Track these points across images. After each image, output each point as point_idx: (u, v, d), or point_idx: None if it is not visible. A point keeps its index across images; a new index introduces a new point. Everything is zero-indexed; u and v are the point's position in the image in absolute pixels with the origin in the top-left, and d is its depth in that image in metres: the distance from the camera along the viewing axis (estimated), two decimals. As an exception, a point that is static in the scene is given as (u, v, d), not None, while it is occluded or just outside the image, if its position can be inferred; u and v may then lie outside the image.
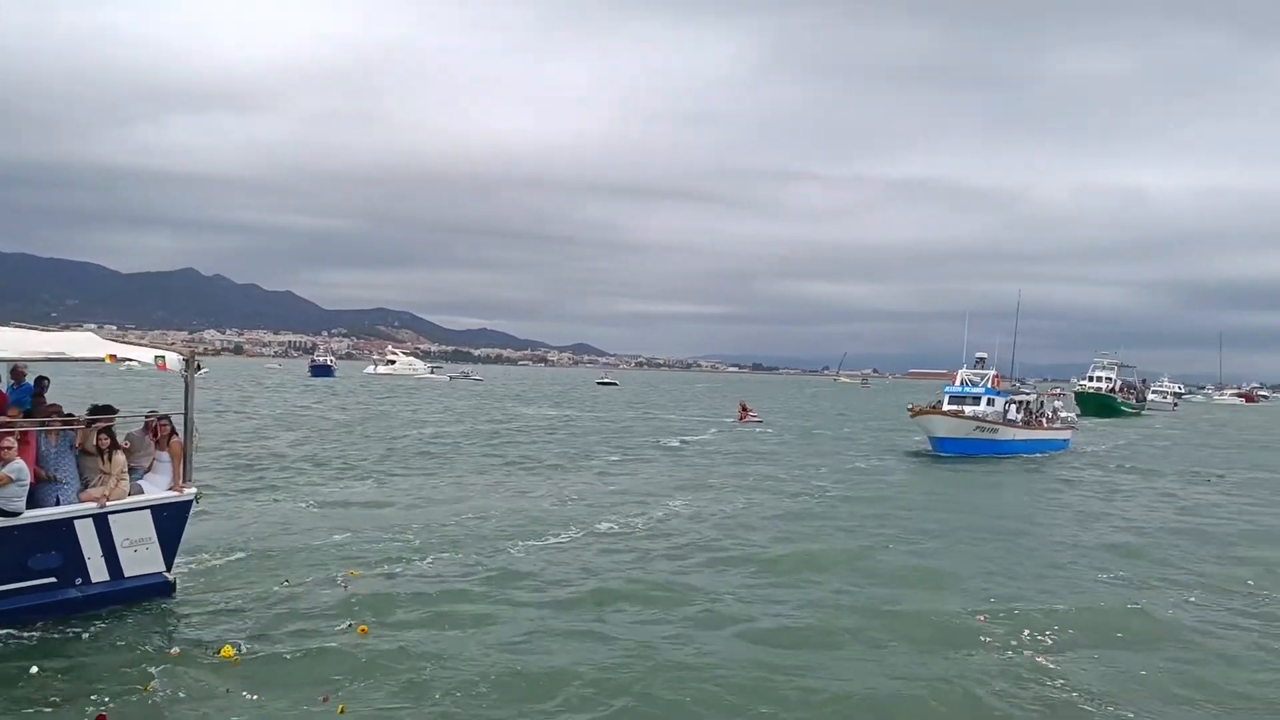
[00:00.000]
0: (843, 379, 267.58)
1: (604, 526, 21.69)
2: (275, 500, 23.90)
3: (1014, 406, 46.18)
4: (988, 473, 36.79)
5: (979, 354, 48.30)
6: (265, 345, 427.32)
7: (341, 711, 10.58)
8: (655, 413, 76.35)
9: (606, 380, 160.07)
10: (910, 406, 45.13)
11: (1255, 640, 14.27)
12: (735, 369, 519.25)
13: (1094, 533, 23.53)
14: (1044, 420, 49.24)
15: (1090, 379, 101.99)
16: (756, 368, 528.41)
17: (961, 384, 46.05)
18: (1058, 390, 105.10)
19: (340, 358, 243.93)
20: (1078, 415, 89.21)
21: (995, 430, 43.34)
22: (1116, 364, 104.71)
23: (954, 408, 43.75)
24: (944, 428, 42.27)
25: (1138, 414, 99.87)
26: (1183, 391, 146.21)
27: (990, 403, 44.48)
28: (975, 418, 43.05)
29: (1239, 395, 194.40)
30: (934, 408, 43.76)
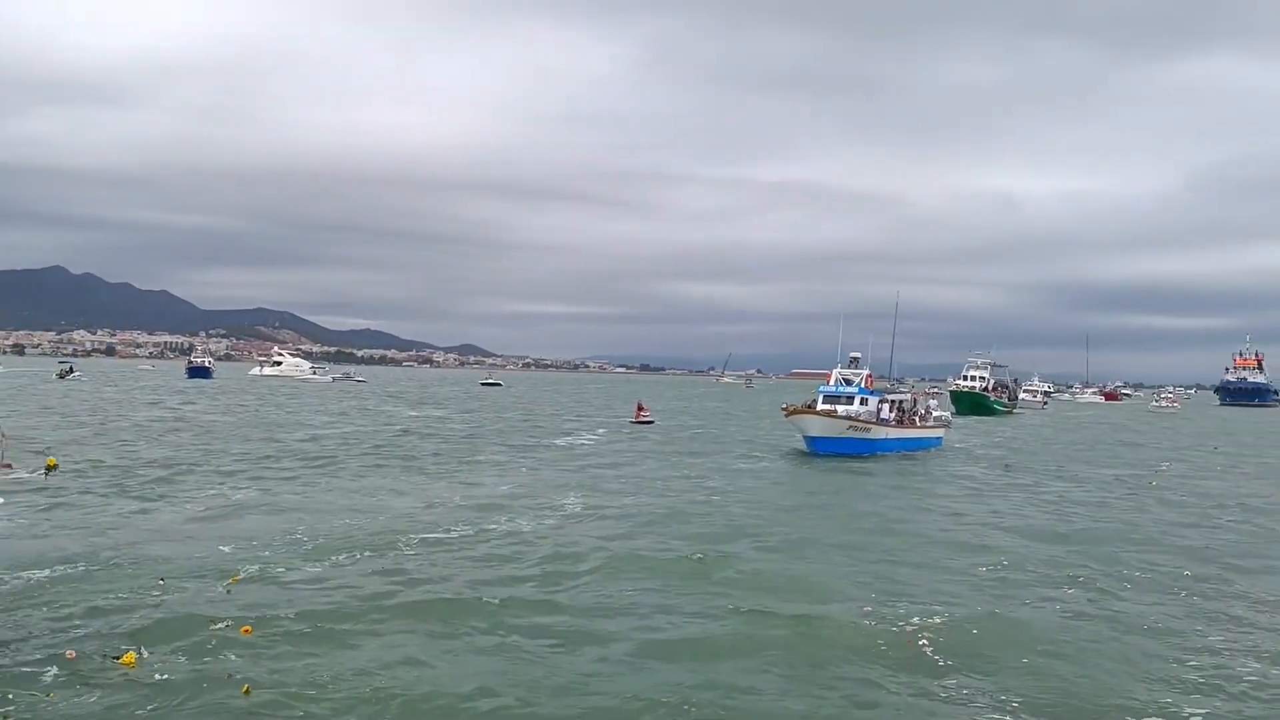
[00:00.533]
0: (726, 379, 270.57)
1: (492, 528, 21.75)
2: (152, 506, 23.53)
3: (887, 406, 47.12)
4: (860, 472, 37.62)
5: (853, 354, 49.01)
6: (139, 346, 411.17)
7: (246, 692, 11.12)
8: (543, 413, 76.35)
9: (491, 381, 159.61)
10: (784, 407, 45.95)
11: (1106, 637, 14.74)
12: (623, 370, 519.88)
13: (955, 531, 24.22)
14: (917, 419, 50.55)
15: (964, 378, 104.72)
16: (644, 368, 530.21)
17: (835, 384, 46.57)
18: (933, 389, 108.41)
19: (219, 359, 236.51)
20: (953, 414, 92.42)
21: (868, 429, 44.15)
22: (989, 363, 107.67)
23: (827, 407, 44.40)
24: (817, 427, 43.03)
25: (1009, 412, 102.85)
26: (1051, 390, 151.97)
27: (864, 402, 45.17)
28: (848, 417, 43.71)
29: (1101, 394, 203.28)
30: (808, 408, 44.40)
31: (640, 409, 67.90)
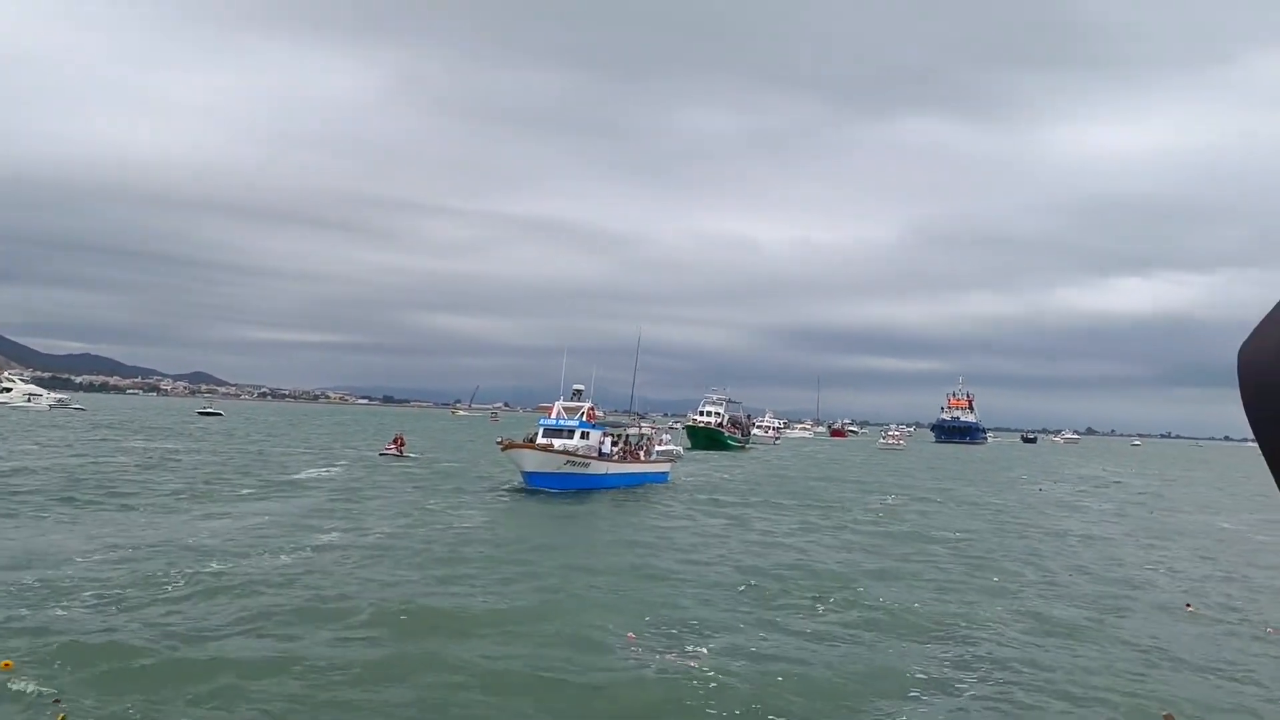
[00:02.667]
0: (462, 412, 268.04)
1: (212, 568, 19.95)
2: None
3: (609, 440, 46.03)
4: (570, 509, 35.86)
5: (576, 386, 47.79)
6: None
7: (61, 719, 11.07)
8: (266, 447, 70.76)
9: (210, 410, 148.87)
10: (499, 441, 44.00)
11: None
12: (365, 401, 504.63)
13: (656, 568, 23.28)
14: (642, 454, 49.40)
15: (701, 414, 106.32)
16: (387, 400, 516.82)
17: (557, 417, 45.15)
18: (674, 424, 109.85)
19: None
20: (688, 448, 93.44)
21: (587, 465, 42.84)
22: (725, 399, 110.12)
23: (546, 441, 42.84)
24: (533, 462, 41.27)
25: (742, 447, 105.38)
26: (782, 426, 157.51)
27: (584, 436, 43.92)
28: (566, 451, 42.17)
29: (831, 431, 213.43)
30: (527, 442, 42.61)
31: (399, 441, 65.05)
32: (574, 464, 42.06)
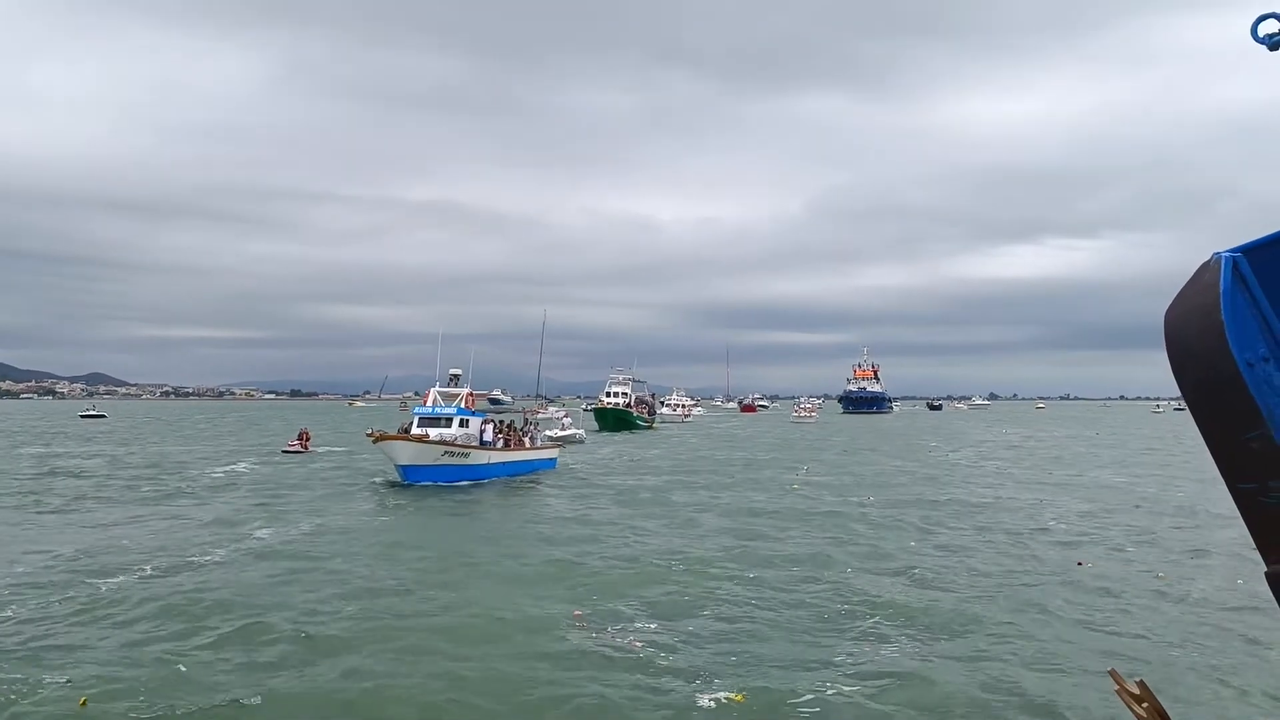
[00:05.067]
0: (358, 404, 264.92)
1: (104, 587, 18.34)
2: None
3: (491, 427, 43.36)
4: (454, 502, 33.41)
5: (453, 370, 44.70)
6: None
7: (84, 704, 11.42)
8: (169, 447, 67.09)
9: (93, 412, 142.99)
10: (369, 432, 40.93)
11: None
12: (273, 395, 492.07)
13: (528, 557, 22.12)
14: (527, 440, 46.89)
15: (608, 395, 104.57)
16: (295, 394, 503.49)
17: (432, 404, 42.22)
18: (585, 407, 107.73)
19: None
20: (595, 430, 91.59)
21: (467, 454, 39.98)
22: (630, 379, 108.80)
23: (421, 431, 39.82)
24: (407, 454, 38.23)
25: (650, 426, 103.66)
26: (691, 404, 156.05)
27: (463, 424, 41.01)
28: (442, 441, 39.33)
29: (741, 406, 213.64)
30: (401, 432, 39.75)
31: (304, 437, 62.55)
32: (453, 454, 39.20)
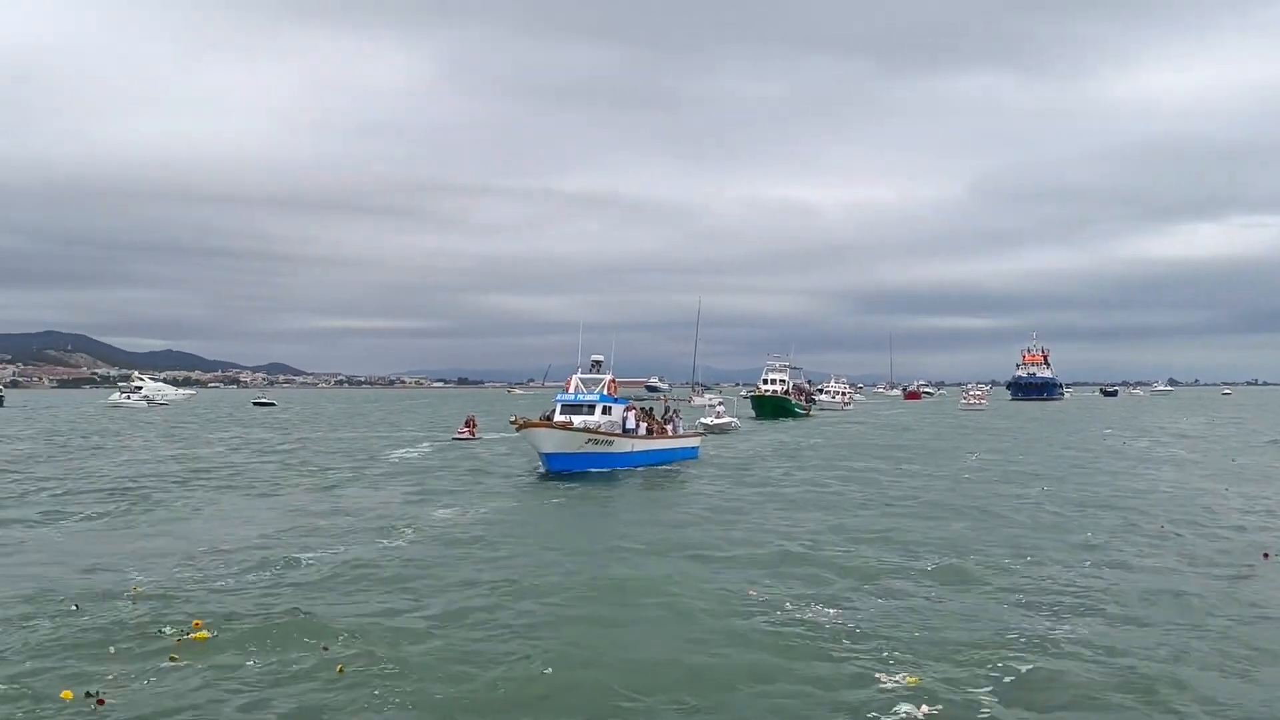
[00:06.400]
0: (518, 391, 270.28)
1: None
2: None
3: (634, 414, 42.47)
4: (604, 489, 33.32)
5: (594, 356, 43.18)
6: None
7: (340, 671, 11.95)
8: (347, 433, 70.48)
9: (263, 400, 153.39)
10: (513, 419, 40.65)
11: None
12: (441, 384, 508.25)
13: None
14: (669, 428, 45.99)
15: (765, 382, 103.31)
16: (463, 382, 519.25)
17: (574, 391, 41.17)
18: (743, 394, 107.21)
19: (6, 385, 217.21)
20: (753, 418, 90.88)
21: (611, 443, 39.36)
22: (787, 365, 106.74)
23: (564, 418, 39.21)
24: (551, 442, 37.45)
25: (807, 414, 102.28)
26: (850, 391, 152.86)
27: (606, 411, 40.22)
28: (586, 429, 38.56)
29: (904, 394, 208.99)
30: (544, 420, 39.34)
31: (470, 423, 63.74)
32: (596, 442, 38.65)
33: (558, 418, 39.40)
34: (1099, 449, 54.44)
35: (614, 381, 42.36)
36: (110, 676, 11.82)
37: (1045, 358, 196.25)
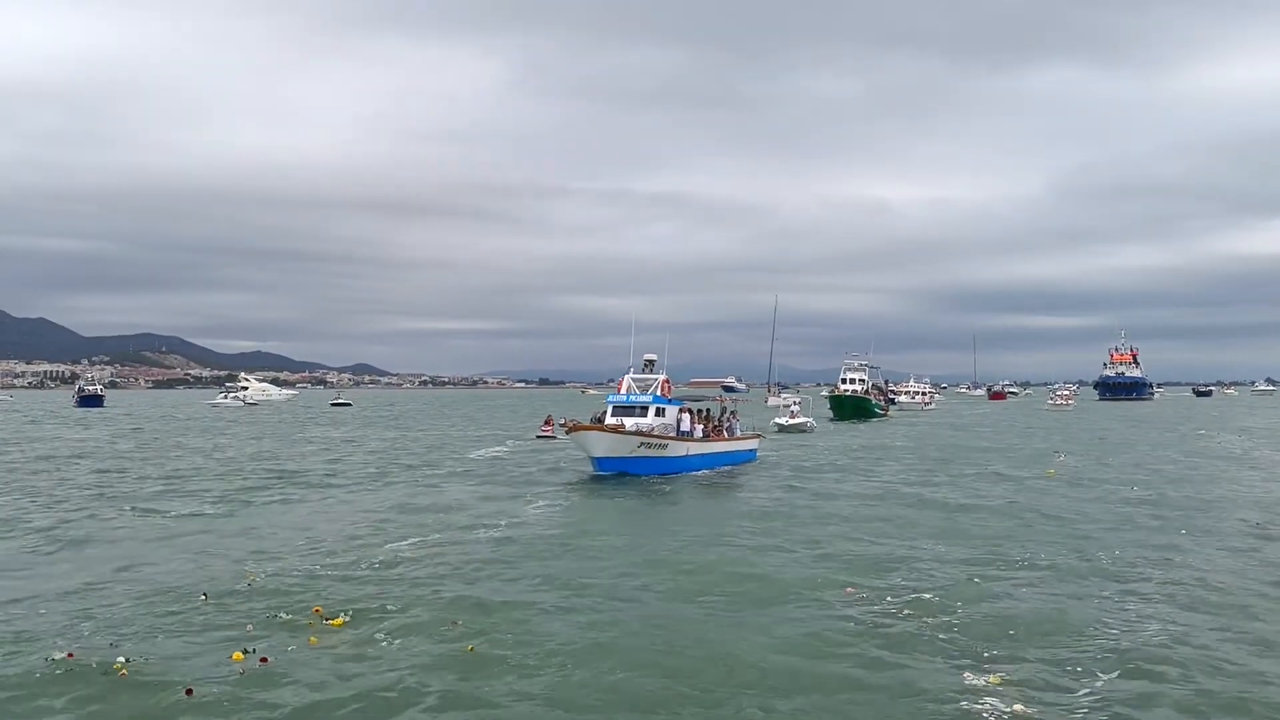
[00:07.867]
0: (591, 392, 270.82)
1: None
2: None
3: (689, 416, 40.34)
4: (639, 500, 31.03)
5: (647, 356, 40.99)
6: (18, 376, 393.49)
7: (470, 650, 13.01)
8: (434, 432, 72.34)
9: (341, 401, 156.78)
10: (564, 422, 39.85)
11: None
12: (523, 384, 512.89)
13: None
14: (725, 431, 44.01)
15: (844, 382, 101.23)
16: (543, 382, 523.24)
17: (626, 392, 39.24)
18: (823, 394, 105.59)
19: (105, 386, 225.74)
20: (831, 419, 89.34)
21: (664, 446, 37.51)
22: (866, 365, 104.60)
23: (615, 421, 37.55)
24: (602, 445, 35.92)
25: (885, 415, 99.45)
26: (931, 390, 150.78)
27: (659, 413, 38.31)
28: (638, 432, 36.87)
29: (989, 394, 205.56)
30: (596, 423, 37.81)
31: (549, 422, 63.86)
32: (649, 445, 36.91)
33: (609, 419, 37.84)
34: (1193, 449, 53.49)
35: (667, 381, 40.73)
36: (262, 650, 13.08)
37: (1134, 357, 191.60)
